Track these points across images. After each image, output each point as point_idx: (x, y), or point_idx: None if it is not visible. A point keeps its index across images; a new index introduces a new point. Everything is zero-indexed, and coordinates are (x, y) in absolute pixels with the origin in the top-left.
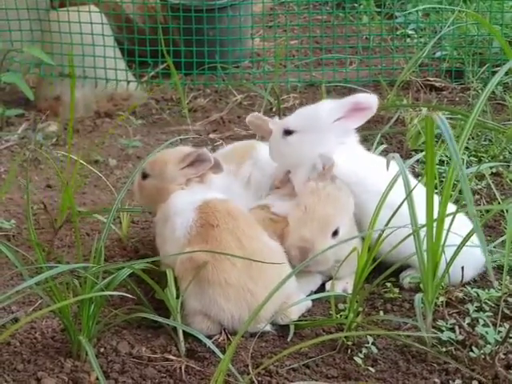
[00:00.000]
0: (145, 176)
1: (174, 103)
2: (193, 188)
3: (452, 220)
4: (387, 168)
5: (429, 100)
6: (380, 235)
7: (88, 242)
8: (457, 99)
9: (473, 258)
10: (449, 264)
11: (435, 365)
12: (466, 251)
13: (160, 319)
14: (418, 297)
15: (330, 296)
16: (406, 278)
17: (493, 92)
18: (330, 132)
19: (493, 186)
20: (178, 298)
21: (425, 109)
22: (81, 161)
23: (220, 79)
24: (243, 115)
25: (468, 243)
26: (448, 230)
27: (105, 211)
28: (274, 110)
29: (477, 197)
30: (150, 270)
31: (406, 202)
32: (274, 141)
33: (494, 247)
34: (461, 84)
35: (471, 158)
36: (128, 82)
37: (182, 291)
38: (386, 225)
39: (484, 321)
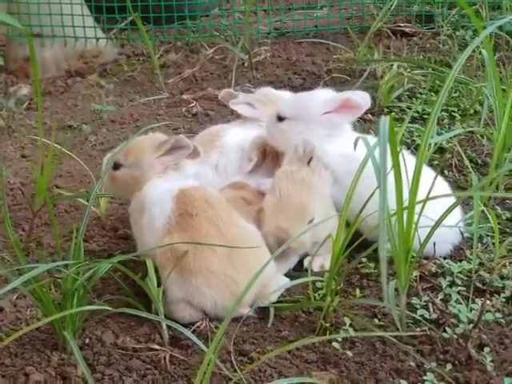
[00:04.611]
0: (117, 166)
1: (145, 58)
2: (168, 176)
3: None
4: (354, 148)
5: (399, 48)
6: (358, 216)
7: (67, 220)
8: (427, 45)
9: (448, 233)
10: (423, 245)
11: (410, 346)
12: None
13: (144, 314)
14: (391, 285)
15: (307, 278)
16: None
17: (463, 38)
18: (318, 124)
19: (460, 151)
20: (159, 286)
21: (396, 64)
22: (53, 144)
23: (190, 32)
24: (215, 72)
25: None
26: (421, 214)
27: (83, 197)
28: (245, 64)
29: (448, 155)
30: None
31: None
32: (269, 124)
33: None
34: (431, 28)
35: (442, 113)
36: (97, 39)
37: (164, 280)
38: (365, 204)
39: (457, 297)
